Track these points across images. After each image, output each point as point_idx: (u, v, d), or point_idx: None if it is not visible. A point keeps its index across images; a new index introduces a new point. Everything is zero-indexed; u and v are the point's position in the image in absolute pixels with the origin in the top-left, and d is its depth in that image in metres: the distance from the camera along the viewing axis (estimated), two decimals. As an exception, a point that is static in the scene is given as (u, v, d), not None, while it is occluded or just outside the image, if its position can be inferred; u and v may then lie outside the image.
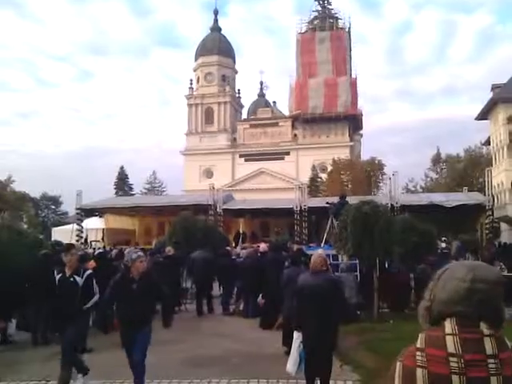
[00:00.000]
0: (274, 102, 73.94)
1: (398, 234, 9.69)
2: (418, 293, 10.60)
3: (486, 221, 23.71)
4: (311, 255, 10.55)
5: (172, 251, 12.22)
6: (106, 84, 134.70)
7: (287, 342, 7.55)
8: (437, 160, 51.99)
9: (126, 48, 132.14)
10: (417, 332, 5.59)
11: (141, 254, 5.88)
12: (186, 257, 12.56)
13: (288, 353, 7.47)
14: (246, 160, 65.53)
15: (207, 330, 9.70)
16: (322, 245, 15.43)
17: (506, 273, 10.78)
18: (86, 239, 29.08)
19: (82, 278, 6.33)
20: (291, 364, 5.56)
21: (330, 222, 14.76)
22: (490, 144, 42.08)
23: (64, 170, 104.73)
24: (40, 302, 8.29)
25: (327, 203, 15.67)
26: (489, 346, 1.39)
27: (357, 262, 11.00)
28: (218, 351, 7.86)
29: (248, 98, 76.99)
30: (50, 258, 9.17)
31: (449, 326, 1.45)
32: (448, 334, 1.43)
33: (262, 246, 11.55)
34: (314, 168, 56.21)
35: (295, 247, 10.87)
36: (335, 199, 16.07)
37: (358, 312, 9.64)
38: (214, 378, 6.38)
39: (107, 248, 23.27)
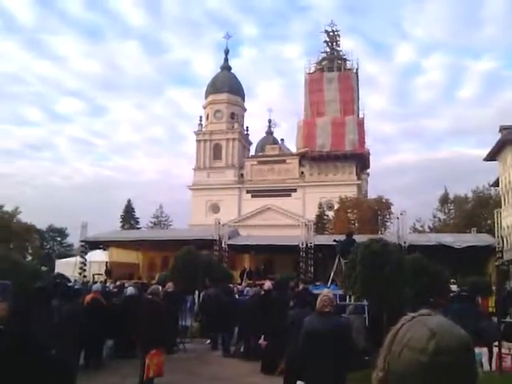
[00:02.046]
0: (282, 140, 74.51)
1: (409, 274, 9.23)
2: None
3: (496, 263, 23.14)
4: (318, 295, 10.13)
5: (172, 287, 11.76)
6: (119, 119, 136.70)
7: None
8: (444, 200, 51.51)
9: (138, 84, 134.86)
10: None
11: None
12: (187, 293, 12.13)
13: (290, 401, 6.96)
14: (252, 196, 65.37)
15: (206, 374, 9.13)
16: (329, 284, 14.92)
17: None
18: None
19: None
20: None
21: (336, 260, 14.30)
22: (498, 185, 41.72)
23: (73, 203, 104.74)
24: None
25: (334, 241, 15.23)
26: None
27: (365, 303, 10.51)
28: (216, 397, 7.32)
29: (256, 135, 77.59)
30: (44, 290, 8.77)
31: None
32: None
33: (267, 284, 11.07)
34: (320, 206, 55.82)
35: (301, 286, 10.42)
36: (343, 237, 15.65)
37: (366, 358, 9.06)
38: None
39: (108, 282, 22.81)
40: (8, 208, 53.85)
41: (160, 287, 11.10)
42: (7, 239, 48.82)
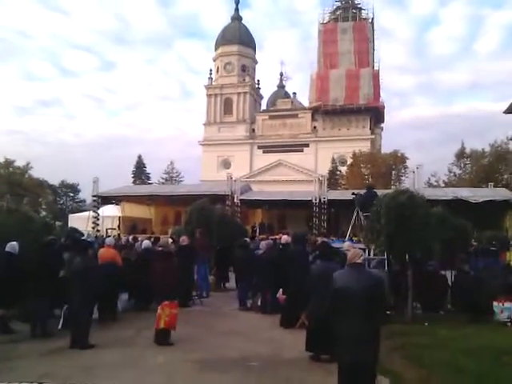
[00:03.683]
0: (294, 94, 72.78)
1: (435, 227, 8.77)
2: (456, 293, 9.71)
3: (514, 217, 22.72)
4: (338, 248, 9.75)
5: (186, 241, 11.46)
6: (129, 74, 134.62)
7: (312, 346, 6.76)
8: (461, 155, 50.44)
9: (148, 38, 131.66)
10: (455, 337, 4.59)
11: None
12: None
13: (313, 358, 6.69)
14: (264, 151, 64.69)
15: (222, 328, 8.88)
16: (346, 238, 14.57)
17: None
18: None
19: None
20: None
21: (355, 214, 13.85)
22: (517, 139, 40.45)
23: (84, 160, 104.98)
24: (42, 290, 7.64)
25: (353, 193, 14.73)
26: None
27: (384, 257, 10.15)
28: (234, 353, 7.04)
29: (268, 89, 76.09)
30: (55, 243, 8.50)
31: None
32: None
33: (284, 238, 10.72)
34: (333, 161, 55.10)
35: (319, 240, 10.03)
36: (360, 191, 15.14)
37: (388, 312, 8.76)
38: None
39: (122, 236, 22.75)
40: (19, 163, 53.88)
41: (170, 240, 10.83)
42: (20, 194, 49.08)
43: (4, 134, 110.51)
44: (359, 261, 4.62)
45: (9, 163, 52.41)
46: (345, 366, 4.54)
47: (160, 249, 8.11)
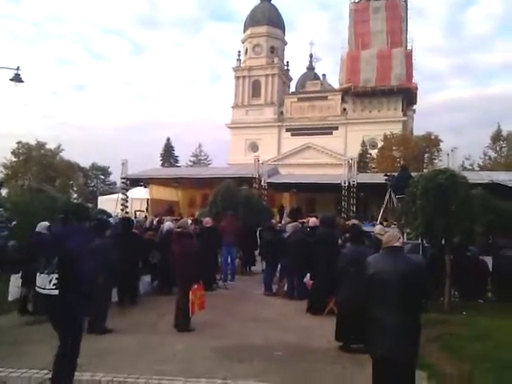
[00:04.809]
0: (324, 75, 71.37)
1: (477, 210, 8.11)
2: (497, 280, 9.06)
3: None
4: (369, 233, 9.21)
5: (210, 222, 11.09)
6: (158, 58, 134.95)
7: (341, 334, 6.30)
8: (497, 138, 48.58)
9: (177, 22, 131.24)
10: (497, 328, 3.85)
11: None
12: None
13: (343, 348, 6.24)
14: (292, 134, 63.73)
15: (246, 313, 8.49)
16: (378, 222, 13.96)
17: None
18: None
19: None
20: None
21: (387, 196, 13.20)
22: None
23: (115, 143, 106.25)
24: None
25: (385, 175, 14.06)
26: None
27: (418, 242, 9.56)
28: (258, 340, 6.64)
29: (297, 71, 74.73)
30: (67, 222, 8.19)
31: None
32: None
33: (312, 220, 10.21)
34: (363, 144, 53.81)
35: (351, 222, 9.48)
36: (393, 173, 14.44)
37: (424, 301, 8.20)
38: (252, 379, 5.15)
39: (149, 218, 22.65)
40: (50, 146, 54.64)
41: (189, 220, 10.46)
42: (52, 176, 49.85)
43: (39, 117, 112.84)
44: (397, 244, 4.10)
45: (40, 145, 53.17)
46: (379, 360, 4.07)
47: (179, 230, 7.71)
